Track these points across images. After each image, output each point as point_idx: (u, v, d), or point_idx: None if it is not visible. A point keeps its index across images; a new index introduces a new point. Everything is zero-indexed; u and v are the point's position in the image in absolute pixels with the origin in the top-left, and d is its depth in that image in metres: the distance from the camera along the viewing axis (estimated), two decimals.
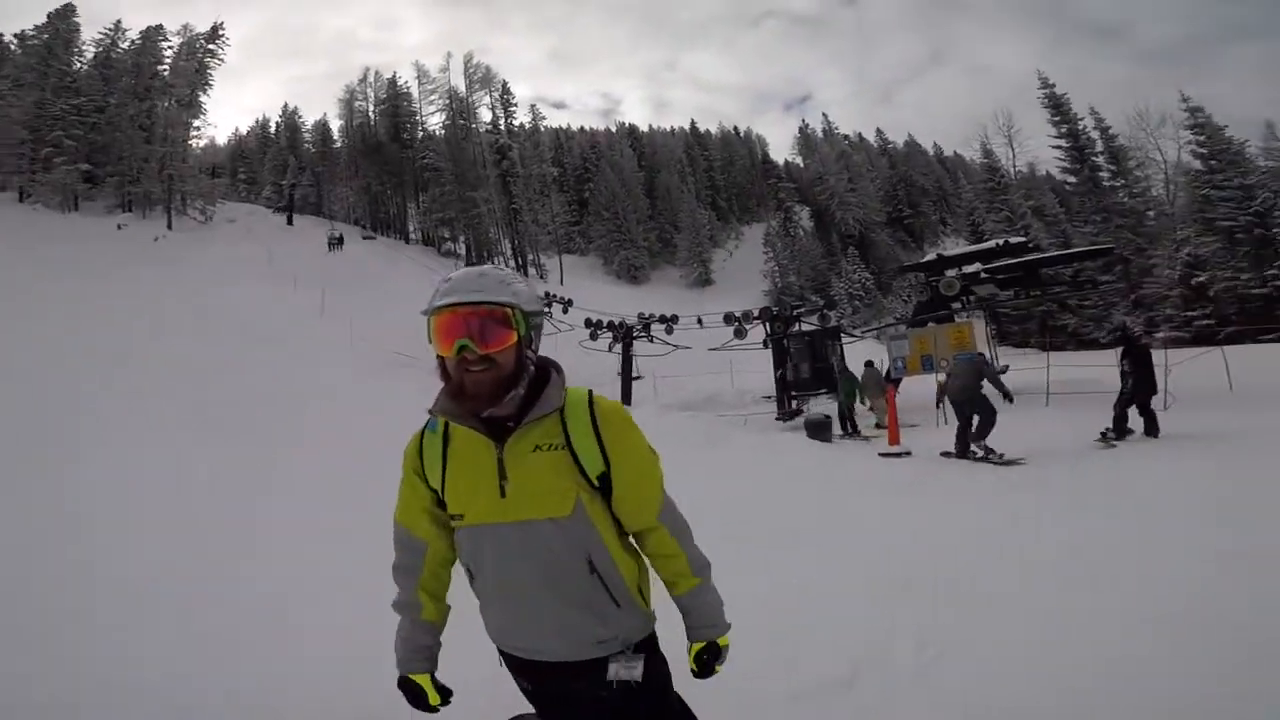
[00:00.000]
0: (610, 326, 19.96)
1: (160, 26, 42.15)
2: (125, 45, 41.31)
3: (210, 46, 43.32)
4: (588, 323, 20.17)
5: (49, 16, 39.38)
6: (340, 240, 39.05)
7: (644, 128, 78.75)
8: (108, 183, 37.88)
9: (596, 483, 1.39)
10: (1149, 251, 36.15)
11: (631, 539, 1.50)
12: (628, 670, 1.39)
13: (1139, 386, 8.59)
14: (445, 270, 27.05)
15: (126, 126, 38.41)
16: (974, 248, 20.42)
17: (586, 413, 1.40)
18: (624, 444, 1.41)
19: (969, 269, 17.21)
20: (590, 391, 1.45)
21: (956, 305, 16.29)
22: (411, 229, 55.30)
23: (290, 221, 44.95)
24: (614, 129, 78.06)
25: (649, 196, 65.54)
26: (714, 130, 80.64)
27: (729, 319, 18.80)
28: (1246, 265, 31.30)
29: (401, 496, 1.51)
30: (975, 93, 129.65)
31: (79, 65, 39.84)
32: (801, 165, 69.60)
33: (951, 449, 8.68)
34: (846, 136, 72.39)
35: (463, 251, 52.18)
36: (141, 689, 3.02)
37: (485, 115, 56.07)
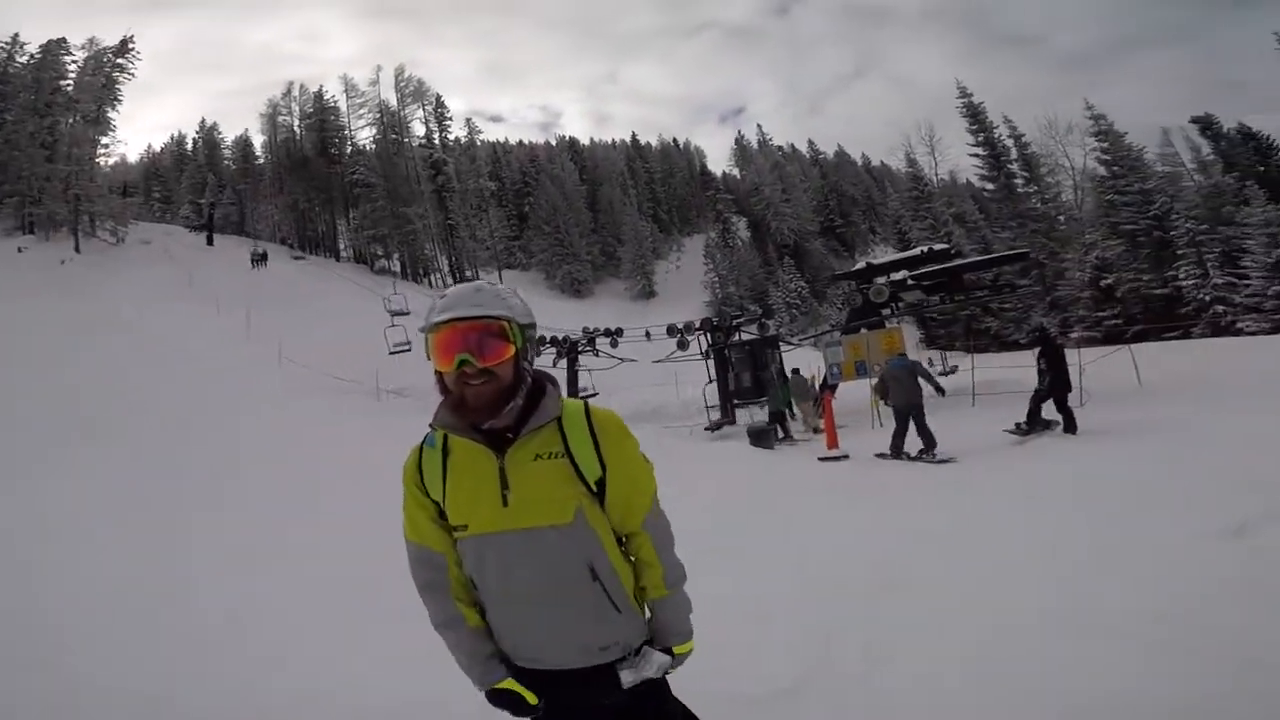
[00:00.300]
0: (554, 341, 19.80)
1: (63, 40, 39.55)
2: (23, 59, 38.64)
3: (119, 61, 41.02)
4: None
5: None
6: (264, 257, 37.79)
7: (585, 141, 79.18)
8: (6, 204, 35.26)
9: (595, 489, 1.43)
10: (1061, 255, 38.47)
11: None
12: (637, 673, 1.43)
13: (1055, 384, 9.03)
14: (379, 289, 26.37)
15: (26, 144, 35.83)
16: (901, 255, 21.21)
17: (584, 420, 1.45)
18: (620, 450, 1.46)
19: (896, 276, 17.88)
20: (585, 401, 1.51)
21: (886, 311, 16.86)
22: (343, 246, 53.51)
23: (210, 241, 42.86)
24: (554, 142, 78.13)
25: (591, 210, 65.60)
26: (654, 143, 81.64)
27: (671, 330, 18.98)
28: (1148, 267, 33.62)
29: (408, 515, 1.51)
30: (900, 103, 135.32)
31: None
32: (738, 176, 71.34)
33: (886, 450, 8.95)
34: (780, 147, 74.60)
35: (397, 269, 50.84)
36: None
37: (419, 129, 55.17)
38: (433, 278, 52.22)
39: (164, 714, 3.16)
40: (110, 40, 41.44)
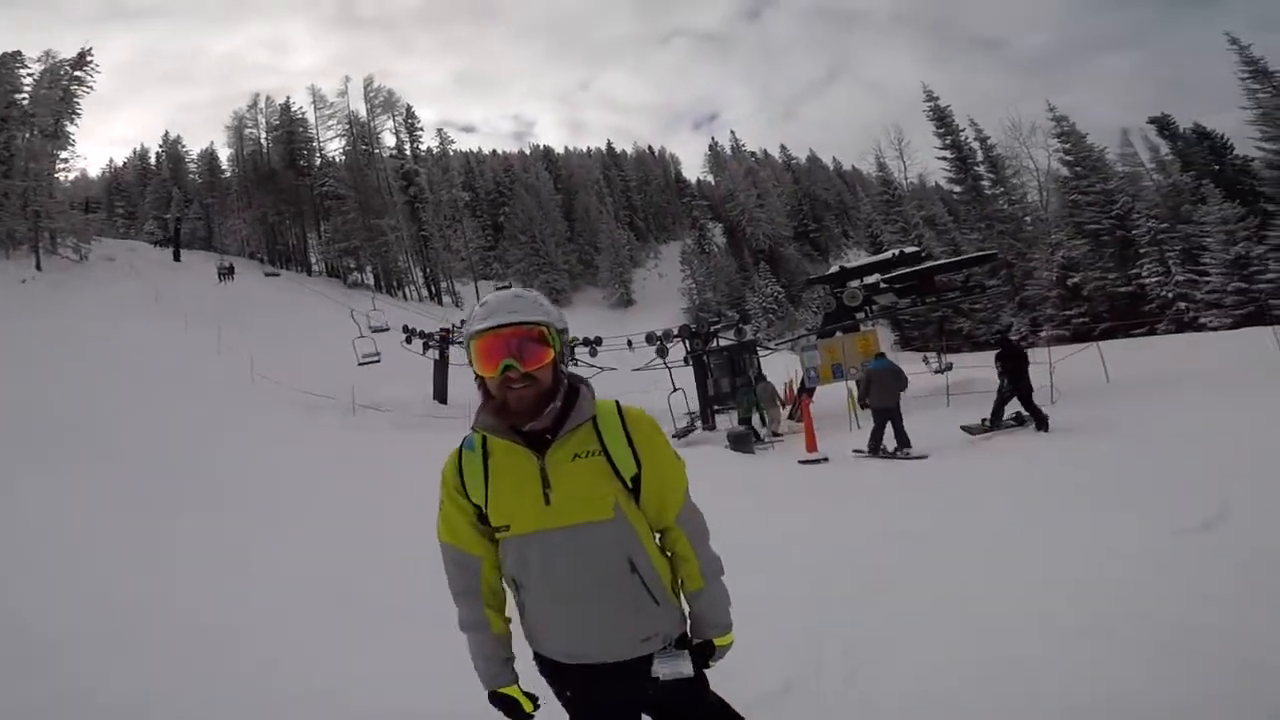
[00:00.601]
0: None
1: (18, 53, 38.32)
2: None
3: (77, 74, 39.95)
4: None
5: None
6: (230, 270, 37.15)
7: (560, 149, 79.12)
8: None
9: (630, 485, 1.49)
10: (1029, 255, 39.28)
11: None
12: (674, 667, 1.47)
13: (1015, 385, 9.26)
14: (352, 303, 25.99)
15: None
16: (873, 259, 21.56)
17: (618, 419, 1.52)
18: (653, 447, 1.53)
19: (870, 280, 18.13)
20: (617, 401, 1.58)
21: (861, 315, 17.07)
22: (314, 260, 52.51)
23: (177, 257, 41.77)
24: (528, 151, 78.05)
25: (567, 218, 65.61)
26: (630, 150, 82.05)
27: (650, 338, 18.98)
28: (1113, 265, 34.46)
29: (445, 517, 1.55)
30: (871, 107, 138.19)
31: None
32: (713, 183, 71.83)
33: (863, 448, 9.23)
34: (753, 153, 75.41)
35: (370, 282, 50.17)
36: None
37: (389, 140, 54.70)
38: (407, 290, 51.64)
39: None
40: (67, 53, 40.42)
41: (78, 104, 40.03)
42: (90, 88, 40.64)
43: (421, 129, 56.68)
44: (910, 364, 17.23)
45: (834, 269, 20.43)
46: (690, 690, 1.53)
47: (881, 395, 9.24)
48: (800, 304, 52.36)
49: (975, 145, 45.65)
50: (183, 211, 52.06)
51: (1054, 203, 41.09)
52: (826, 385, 15.83)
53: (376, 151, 53.04)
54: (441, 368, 20.48)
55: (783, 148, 77.69)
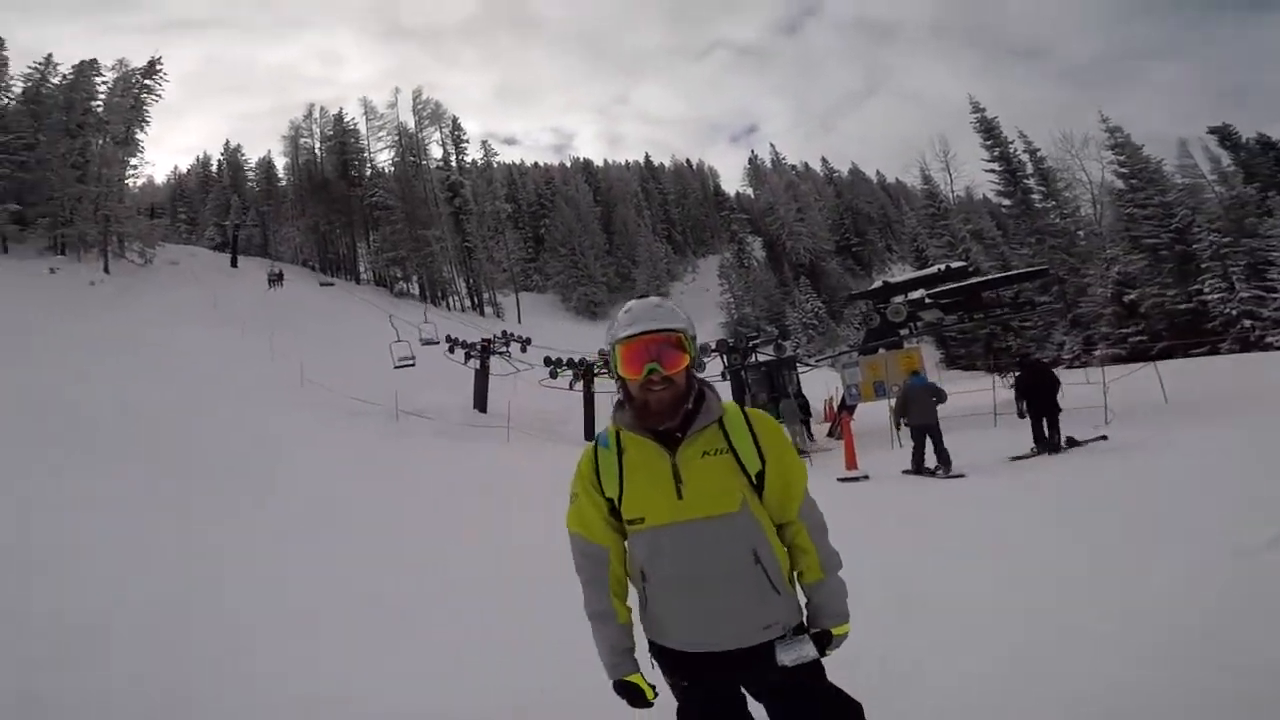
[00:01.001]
0: (570, 364, 19.87)
1: (94, 61, 40.23)
2: (56, 80, 39.36)
3: (147, 82, 41.61)
4: (547, 361, 20.05)
5: None
6: (280, 276, 38.20)
7: (599, 162, 79.99)
8: (39, 224, 35.78)
9: (754, 481, 1.60)
10: (1082, 271, 37.93)
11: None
12: (799, 651, 1.55)
13: (1038, 406, 9.20)
14: (400, 310, 26.69)
15: (58, 165, 36.35)
16: (918, 274, 21.17)
17: (743, 420, 1.64)
18: (777, 447, 1.65)
19: (914, 295, 17.79)
20: (741, 405, 1.71)
21: (905, 331, 16.76)
22: (362, 269, 53.97)
23: (235, 263, 43.51)
24: (568, 164, 79.07)
25: (606, 231, 66.15)
26: (667, 163, 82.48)
27: None
28: (1171, 281, 33.01)
29: (579, 508, 1.68)
30: (912, 119, 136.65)
31: (5, 100, 37.82)
32: (752, 196, 71.60)
33: (909, 467, 9.20)
34: (794, 166, 75.01)
35: (416, 291, 51.29)
36: None
37: (436, 152, 55.95)
38: (450, 300, 52.68)
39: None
40: (138, 61, 42.07)
41: (147, 112, 41.59)
42: (159, 96, 42.20)
43: (467, 141, 57.91)
44: (956, 383, 16.86)
45: (877, 284, 20.12)
46: (808, 675, 1.59)
47: (920, 413, 9.26)
48: (842, 320, 51.62)
49: (1024, 157, 44.50)
50: (241, 218, 54.14)
51: (1108, 216, 39.61)
52: (868, 403, 15.55)
53: (424, 163, 54.24)
54: (482, 377, 20.82)
55: (824, 160, 77.13)
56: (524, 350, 22.01)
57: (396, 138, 54.30)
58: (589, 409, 18.72)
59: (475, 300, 53.49)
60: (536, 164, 79.00)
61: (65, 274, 31.58)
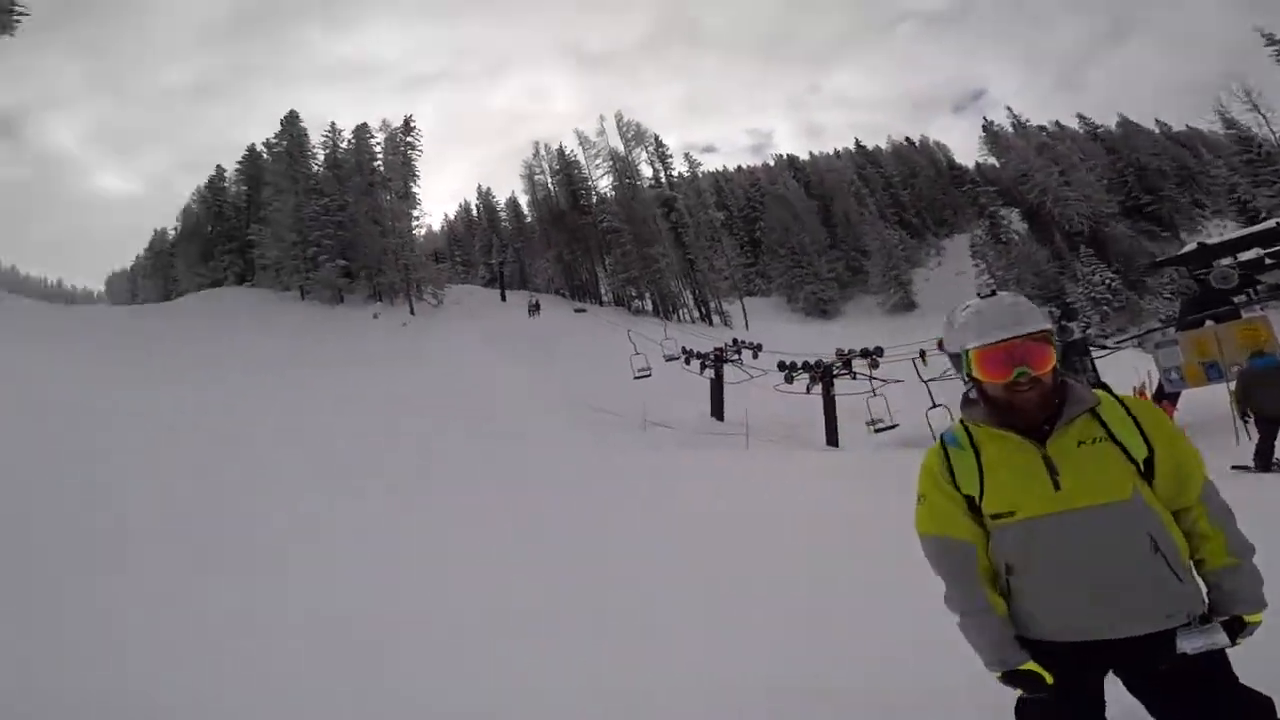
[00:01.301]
0: (806, 367, 19.40)
1: (365, 125, 46.37)
2: (344, 145, 45.71)
3: (408, 139, 47.18)
4: (781, 365, 19.82)
5: (281, 123, 45.45)
6: (537, 306, 42.44)
7: (804, 156, 77.02)
8: (360, 276, 42.84)
9: (1141, 468, 1.55)
10: None
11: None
12: (1208, 639, 1.47)
13: None
14: (638, 327, 28.51)
15: (364, 222, 42.65)
16: (1246, 230, 16.93)
17: (1120, 407, 1.60)
18: (1163, 430, 1.59)
19: (1246, 256, 14.26)
20: (1113, 392, 1.68)
21: (1241, 298, 13.45)
22: (603, 292, 57.66)
23: (504, 298, 48.92)
24: (771, 163, 77.28)
25: (826, 225, 63.36)
26: (883, 145, 76.39)
27: (942, 344, 17.23)
28: None
29: (931, 509, 1.70)
30: (1182, 62, 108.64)
31: (316, 168, 44.66)
32: (996, 165, 63.07)
33: (1247, 463, 7.60)
34: (1043, 127, 64.35)
35: (650, 308, 53.78)
36: None
37: (646, 171, 57.80)
38: (680, 313, 54.58)
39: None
40: (396, 121, 47.91)
41: (415, 166, 47.35)
42: (420, 150, 47.82)
43: (670, 156, 59.25)
44: None
45: (1190, 246, 16.50)
46: (1210, 664, 1.50)
47: (1269, 400, 7.57)
48: (1146, 291, 42.69)
49: None
50: (502, 255, 62.09)
51: None
52: (1196, 388, 12.64)
53: (638, 183, 56.55)
54: (718, 385, 21.27)
55: (1080, 116, 64.78)
56: (755, 356, 22.02)
57: (611, 163, 57.09)
58: (829, 411, 18.06)
59: (703, 311, 54.71)
60: (740, 167, 78.53)
61: (384, 318, 39.32)
